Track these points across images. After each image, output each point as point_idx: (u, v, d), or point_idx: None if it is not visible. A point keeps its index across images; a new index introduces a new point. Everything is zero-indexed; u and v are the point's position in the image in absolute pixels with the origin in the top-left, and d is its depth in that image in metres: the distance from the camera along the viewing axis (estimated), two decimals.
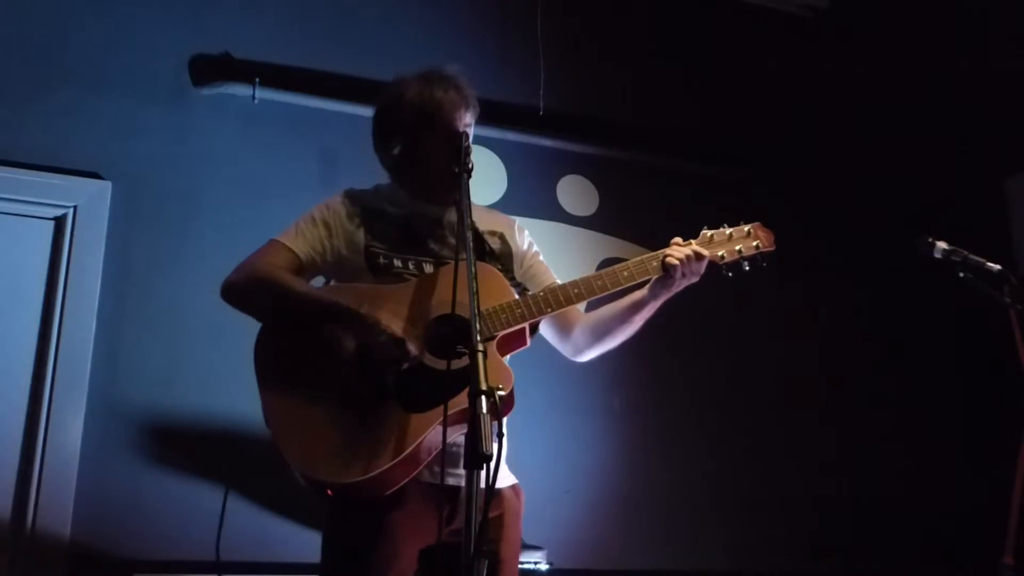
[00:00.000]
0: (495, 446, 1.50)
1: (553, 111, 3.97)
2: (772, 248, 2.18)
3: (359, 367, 1.97)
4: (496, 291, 2.03)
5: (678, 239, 2.14)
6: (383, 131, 2.19)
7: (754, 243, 2.17)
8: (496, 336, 1.96)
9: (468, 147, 2.00)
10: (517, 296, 2.09)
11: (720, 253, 2.14)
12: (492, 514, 1.93)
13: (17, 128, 3.26)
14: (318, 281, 2.21)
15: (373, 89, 2.33)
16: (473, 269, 1.74)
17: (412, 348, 1.94)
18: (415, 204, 2.19)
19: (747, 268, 2.17)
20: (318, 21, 3.75)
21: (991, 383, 3.96)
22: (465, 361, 1.77)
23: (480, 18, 4.00)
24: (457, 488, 1.97)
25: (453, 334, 1.89)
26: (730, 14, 4.44)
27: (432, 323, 1.99)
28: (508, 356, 2.10)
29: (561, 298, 2.06)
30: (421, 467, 1.94)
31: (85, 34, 3.42)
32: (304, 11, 3.74)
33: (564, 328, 2.24)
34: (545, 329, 2.25)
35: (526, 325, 2.03)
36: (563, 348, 2.28)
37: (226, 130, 3.54)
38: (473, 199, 1.95)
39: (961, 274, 2.57)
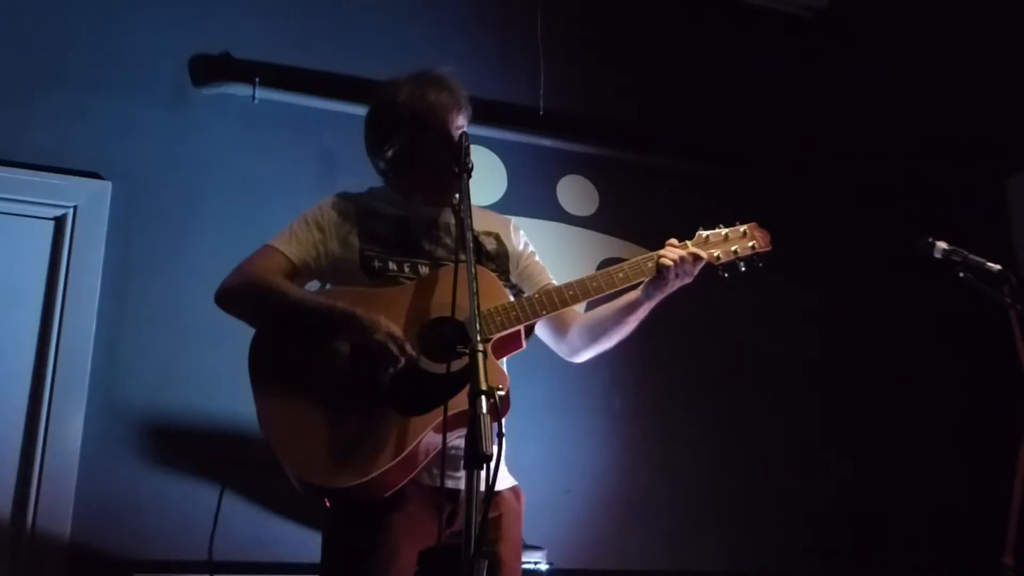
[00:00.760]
0: (495, 447, 1.49)
1: (553, 111, 3.97)
2: (768, 249, 2.16)
3: (354, 369, 1.96)
4: (490, 293, 2.02)
5: (673, 240, 2.13)
6: (375, 134, 2.18)
7: (750, 243, 2.15)
8: (491, 339, 1.95)
9: (467, 147, 1.98)
10: (512, 298, 2.09)
11: (716, 254, 2.12)
12: (492, 515, 1.93)
13: (17, 128, 3.26)
14: (313, 285, 2.20)
15: (373, 89, 2.32)
16: (473, 271, 1.74)
17: (409, 347, 1.94)
18: (409, 205, 2.18)
19: (743, 269, 2.15)
20: (318, 21, 3.75)
21: (991, 383, 3.96)
22: (461, 363, 1.77)
23: (480, 18, 4.00)
24: (457, 491, 1.97)
25: (448, 337, 1.89)
26: (730, 14, 4.44)
27: (425, 326, 1.98)
28: (504, 359, 2.09)
29: (556, 300, 2.05)
30: (418, 469, 1.94)
31: (85, 34, 3.42)
32: (304, 11, 3.74)
33: (560, 329, 2.23)
34: (541, 330, 2.24)
35: (521, 328, 2.03)
36: (559, 348, 2.28)
37: (226, 130, 3.53)
38: (472, 199, 1.95)
39: (961, 274, 2.57)
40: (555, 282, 2.21)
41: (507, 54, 4.00)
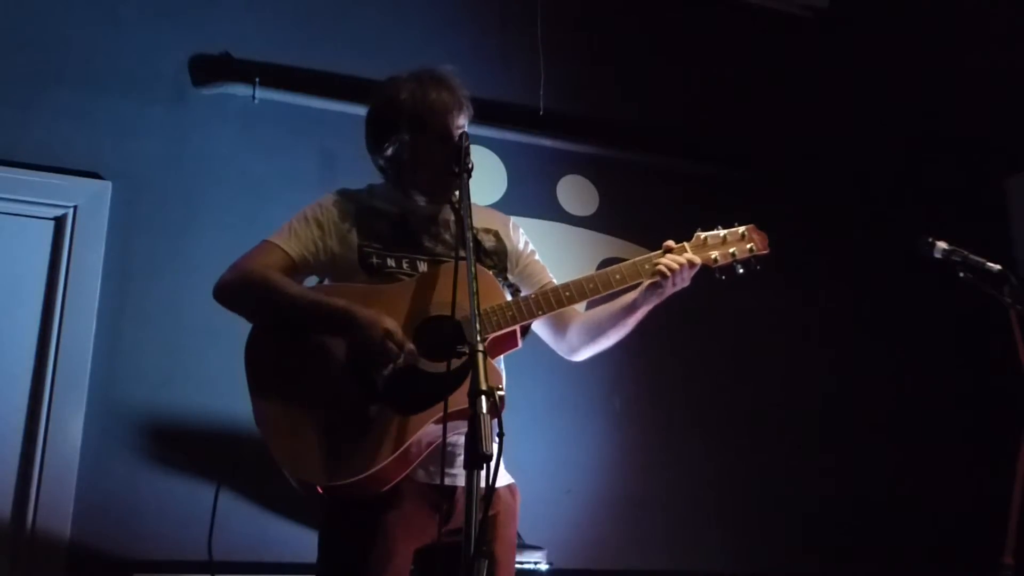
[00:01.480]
0: (495, 446, 1.49)
1: (553, 111, 3.97)
2: (767, 251, 2.15)
3: (351, 365, 1.96)
4: (488, 293, 2.01)
5: (670, 242, 2.12)
6: (376, 132, 2.18)
7: (748, 245, 2.14)
8: (487, 338, 1.95)
9: (468, 147, 1.98)
10: (509, 297, 2.09)
11: (713, 256, 2.11)
12: (488, 513, 1.93)
13: (17, 128, 3.26)
14: (311, 281, 2.19)
15: (373, 89, 2.32)
16: (473, 270, 1.74)
17: (407, 342, 1.93)
18: (409, 202, 2.18)
19: (741, 271, 2.14)
20: (318, 21, 3.75)
21: (991, 383, 3.97)
22: (456, 363, 1.77)
23: (480, 18, 4.00)
24: (453, 488, 1.97)
25: (444, 336, 1.88)
26: (730, 14, 4.44)
27: (420, 325, 1.98)
28: (500, 357, 2.09)
29: (553, 301, 2.05)
30: (413, 465, 1.94)
31: (85, 34, 3.42)
32: (304, 11, 3.74)
33: (559, 327, 2.23)
34: (540, 328, 2.24)
35: (517, 327, 2.03)
36: (558, 347, 2.27)
37: (226, 130, 3.54)
38: (472, 199, 1.95)
39: (961, 274, 2.57)
40: (555, 281, 2.20)
41: (507, 54, 4.00)
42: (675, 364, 3.94)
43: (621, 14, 4.28)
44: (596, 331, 2.18)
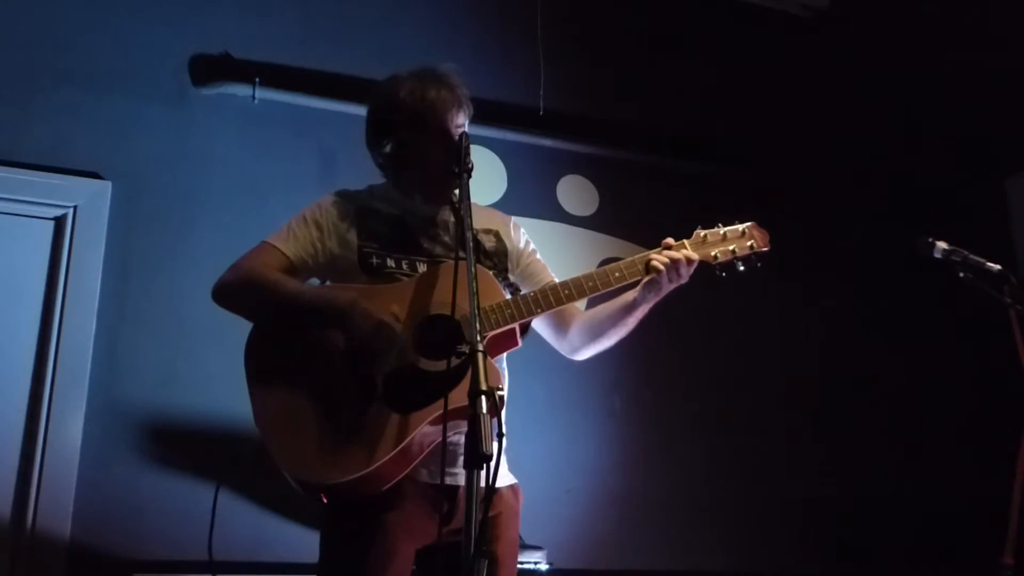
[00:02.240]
0: (495, 445, 1.49)
1: (553, 111, 3.97)
2: (767, 248, 2.14)
3: (351, 363, 1.96)
4: (487, 292, 2.01)
5: (669, 240, 2.11)
6: (375, 130, 2.18)
7: (749, 243, 2.13)
8: (486, 336, 1.95)
9: (467, 147, 1.98)
10: (508, 296, 2.09)
11: (713, 253, 2.10)
12: (490, 513, 1.93)
13: (17, 128, 3.26)
14: (312, 283, 2.19)
15: (373, 88, 2.32)
16: (473, 270, 1.74)
17: (406, 335, 1.93)
18: (408, 203, 2.18)
19: (741, 269, 2.13)
20: (318, 21, 3.75)
21: (991, 383, 3.97)
22: (455, 361, 1.78)
23: (480, 18, 4.00)
24: (455, 487, 1.97)
25: (444, 335, 1.88)
26: (730, 14, 4.44)
27: (420, 324, 1.98)
28: (502, 357, 2.09)
29: (551, 298, 2.05)
30: (414, 464, 1.94)
31: (85, 34, 3.42)
32: (304, 11, 3.74)
33: (560, 326, 2.23)
34: (542, 327, 2.24)
35: (516, 326, 2.03)
36: (559, 346, 2.27)
37: (226, 130, 3.54)
38: (472, 199, 1.95)
39: (961, 274, 2.57)
40: (556, 280, 2.20)
41: (507, 54, 4.00)
42: (675, 364, 3.94)
43: (621, 14, 4.28)
44: (597, 330, 2.17)
